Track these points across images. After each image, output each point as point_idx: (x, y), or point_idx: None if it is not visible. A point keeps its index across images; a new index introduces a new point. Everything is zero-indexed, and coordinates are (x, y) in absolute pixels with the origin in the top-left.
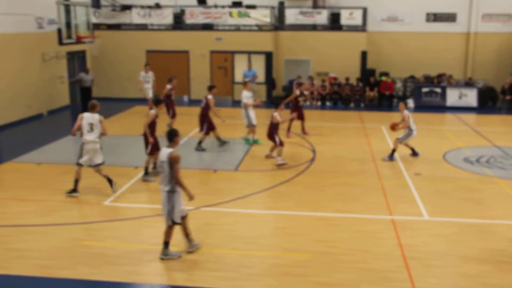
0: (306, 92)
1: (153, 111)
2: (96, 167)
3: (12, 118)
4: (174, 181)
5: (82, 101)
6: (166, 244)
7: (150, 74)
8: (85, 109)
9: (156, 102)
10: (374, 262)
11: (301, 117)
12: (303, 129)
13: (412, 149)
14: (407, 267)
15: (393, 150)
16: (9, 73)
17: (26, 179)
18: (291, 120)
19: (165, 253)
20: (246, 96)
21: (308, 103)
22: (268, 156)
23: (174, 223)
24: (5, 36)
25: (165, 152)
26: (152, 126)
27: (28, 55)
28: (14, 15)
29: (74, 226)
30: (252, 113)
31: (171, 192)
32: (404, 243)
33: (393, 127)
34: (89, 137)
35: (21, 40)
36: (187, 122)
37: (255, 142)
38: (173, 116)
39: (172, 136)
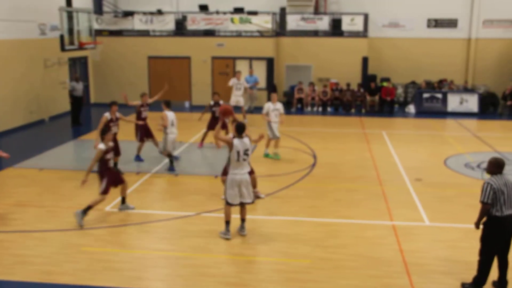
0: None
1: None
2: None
3: (14, 124)
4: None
5: (72, 110)
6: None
7: (243, 81)
8: (76, 119)
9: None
10: (376, 268)
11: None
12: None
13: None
14: (408, 273)
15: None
16: (11, 79)
17: (28, 184)
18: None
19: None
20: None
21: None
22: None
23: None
24: (8, 43)
25: (246, 141)
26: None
27: (31, 61)
28: (17, 22)
29: (75, 232)
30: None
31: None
32: (405, 249)
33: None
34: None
35: (24, 47)
36: (188, 127)
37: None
38: (141, 139)
39: (243, 129)
